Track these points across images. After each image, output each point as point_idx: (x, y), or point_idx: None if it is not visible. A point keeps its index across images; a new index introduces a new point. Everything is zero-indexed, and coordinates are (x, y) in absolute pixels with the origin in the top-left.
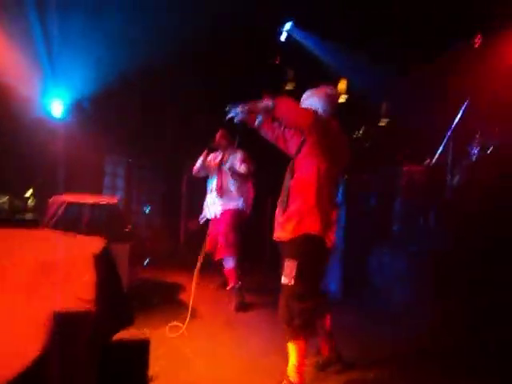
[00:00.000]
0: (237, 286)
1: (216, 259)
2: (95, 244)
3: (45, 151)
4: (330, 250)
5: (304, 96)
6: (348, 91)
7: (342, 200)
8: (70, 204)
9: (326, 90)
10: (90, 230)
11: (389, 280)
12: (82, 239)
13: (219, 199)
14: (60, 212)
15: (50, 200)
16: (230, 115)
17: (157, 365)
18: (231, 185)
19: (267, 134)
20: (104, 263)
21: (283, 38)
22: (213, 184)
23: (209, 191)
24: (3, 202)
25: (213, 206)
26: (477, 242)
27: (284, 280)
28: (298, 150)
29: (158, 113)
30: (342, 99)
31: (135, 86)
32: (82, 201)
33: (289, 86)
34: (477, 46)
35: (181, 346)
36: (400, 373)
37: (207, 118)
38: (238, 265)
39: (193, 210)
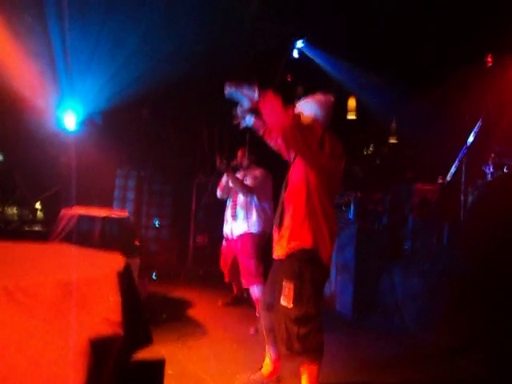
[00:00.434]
0: None
1: (244, 287)
2: (117, 261)
3: (56, 163)
4: (328, 267)
5: (300, 101)
6: (358, 108)
7: (354, 218)
8: (81, 217)
9: (321, 96)
10: (101, 244)
11: (401, 300)
12: (103, 256)
13: (236, 218)
14: (71, 225)
15: (61, 212)
16: (237, 120)
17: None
18: (249, 204)
19: (271, 140)
20: (126, 281)
21: (295, 55)
22: (229, 210)
23: (229, 206)
24: (12, 214)
25: (231, 224)
26: (491, 261)
27: (283, 302)
28: (293, 160)
29: (168, 126)
30: (352, 116)
31: (146, 100)
32: (93, 214)
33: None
34: (489, 65)
35: (190, 364)
36: None
37: (219, 131)
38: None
39: (202, 225)
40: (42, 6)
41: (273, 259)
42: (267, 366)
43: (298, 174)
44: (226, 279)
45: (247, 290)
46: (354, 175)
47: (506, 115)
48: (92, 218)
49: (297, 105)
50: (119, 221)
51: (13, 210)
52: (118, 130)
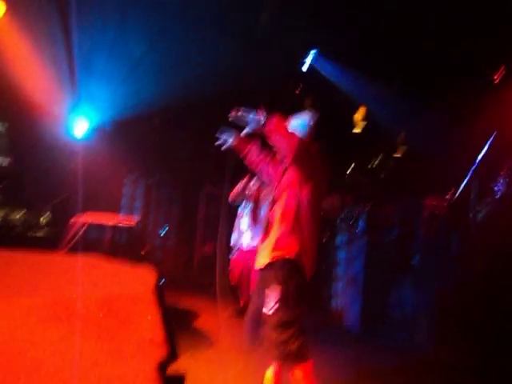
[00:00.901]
0: None
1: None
2: (150, 276)
3: (65, 170)
4: (309, 277)
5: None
6: (366, 120)
7: (363, 231)
8: (91, 225)
9: (306, 114)
10: (111, 251)
11: (409, 313)
12: (136, 270)
13: (252, 229)
14: (81, 232)
15: (71, 220)
16: (220, 141)
17: None
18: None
19: (252, 159)
20: (160, 297)
21: (305, 67)
22: (248, 211)
23: (243, 215)
24: (18, 218)
25: (245, 234)
26: (500, 277)
27: (264, 309)
28: (279, 180)
29: (176, 136)
30: (359, 129)
31: (155, 109)
32: (103, 222)
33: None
34: (497, 81)
35: (198, 378)
36: None
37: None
38: None
39: (208, 234)
40: (60, 13)
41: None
42: (267, 380)
43: (289, 190)
44: (239, 292)
45: None
46: (362, 188)
47: None
48: (101, 227)
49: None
50: (128, 229)
51: (19, 214)
52: (128, 139)
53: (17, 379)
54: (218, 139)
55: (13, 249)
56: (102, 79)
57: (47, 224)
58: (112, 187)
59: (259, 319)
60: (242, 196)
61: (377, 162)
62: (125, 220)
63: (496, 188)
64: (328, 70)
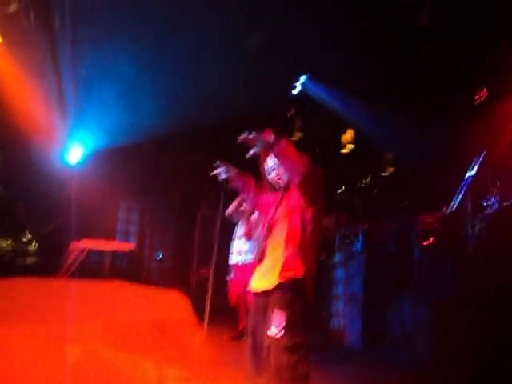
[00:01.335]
0: None
1: None
2: (184, 300)
3: (58, 197)
4: (311, 300)
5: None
6: (355, 141)
7: (362, 249)
8: (91, 251)
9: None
10: (111, 276)
11: (410, 330)
12: (168, 294)
13: (248, 245)
14: (81, 258)
15: (70, 246)
16: (216, 171)
17: None
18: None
19: (245, 196)
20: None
21: (296, 91)
22: (240, 231)
23: (236, 238)
24: (6, 245)
25: (239, 254)
26: (498, 290)
27: (273, 331)
28: (276, 206)
29: (171, 160)
30: (347, 149)
31: (149, 135)
32: (102, 248)
33: (295, 137)
34: (477, 103)
35: None
36: None
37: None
38: None
39: (204, 256)
40: (52, 41)
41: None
42: None
43: (294, 213)
44: (239, 314)
45: None
46: (354, 206)
47: (507, 148)
48: (101, 252)
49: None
50: (127, 254)
51: (7, 242)
52: (122, 164)
53: None
54: (214, 168)
55: (24, 277)
56: (95, 105)
57: (36, 251)
58: (106, 213)
59: (261, 344)
60: (237, 213)
61: (367, 180)
62: (123, 245)
63: (490, 202)
64: (318, 93)
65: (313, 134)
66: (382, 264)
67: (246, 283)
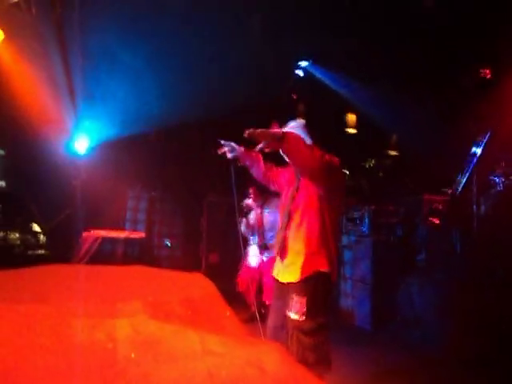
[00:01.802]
0: None
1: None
2: (207, 280)
3: (67, 187)
4: (335, 283)
5: (293, 124)
6: (359, 122)
7: (369, 231)
8: (104, 239)
9: (299, 123)
10: (124, 263)
11: (419, 311)
12: (191, 276)
13: (262, 252)
14: (95, 246)
15: (83, 235)
16: (224, 149)
17: None
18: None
19: (257, 172)
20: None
21: (300, 73)
22: (255, 240)
23: (250, 243)
24: (15, 238)
25: (255, 257)
26: (505, 268)
27: (294, 316)
28: (293, 197)
29: (178, 149)
30: (352, 131)
31: (156, 124)
32: (115, 236)
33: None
34: (488, 77)
35: None
36: None
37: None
38: None
39: (213, 242)
40: (57, 33)
41: (277, 281)
42: None
43: (309, 203)
44: (250, 298)
45: (266, 306)
46: (361, 189)
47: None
48: (114, 240)
49: (288, 126)
50: (139, 241)
51: (15, 235)
52: (129, 154)
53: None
54: (221, 147)
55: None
56: (103, 95)
57: (46, 243)
58: (115, 202)
59: (280, 327)
60: (249, 228)
61: (373, 161)
62: (133, 234)
63: (497, 180)
64: (322, 75)
65: (317, 119)
66: (389, 246)
67: (258, 272)
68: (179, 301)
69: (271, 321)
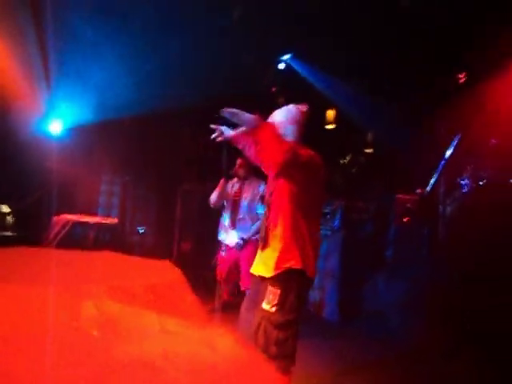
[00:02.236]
0: None
1: (243, 289)
2: (173, 268)
3: (39, 169)
4: (313, 279)
5: (279, 114)
6: (337, 120)
7: (340, 226)
8: (75, 223)
9: (294, 110)
10: (95, 249)
11: (384, 305)
12: (157, 263)
13: (234, 232)
14: (66, 230)
15: (54, 219)
16: (216, 133)
17: None
18: (254, 213)
19: (250, 155)
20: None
21: (281, 67)
22: (227, 219)
23: (223, 226)
24: None
25: (228, 239)
26: (468, 266)
27: (265, 306)
28: (273, 186)
29: (154, 134)
30: (331, 126)
31: (131, 109)
32: (87, 220)
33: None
34: (462, 81)
35: None
36: None
37: (205, 139)
38: None
39: (186, 231)
40: (34, 13)
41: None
42: None
43: (283, 196)
44: (223, 287)
45: (239, 294)
46: (335, 184)
47: (482, 130)
48: (85, 225)
49: (273, 115)
50: (110, 227)
51: None
52: (103, 138)
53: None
54: (213, 131)
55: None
56: (78, 79)
57: (14, 224)
58: (88, 186)
59: (252, 320)
60: (220, 200)
61: (348, 158)
62: (105, 219)
63: (463, 183)
64: (302, 70)
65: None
66: (359, 242)
67: (236, 258)
68: (144, 286)
69: (244, 304)
